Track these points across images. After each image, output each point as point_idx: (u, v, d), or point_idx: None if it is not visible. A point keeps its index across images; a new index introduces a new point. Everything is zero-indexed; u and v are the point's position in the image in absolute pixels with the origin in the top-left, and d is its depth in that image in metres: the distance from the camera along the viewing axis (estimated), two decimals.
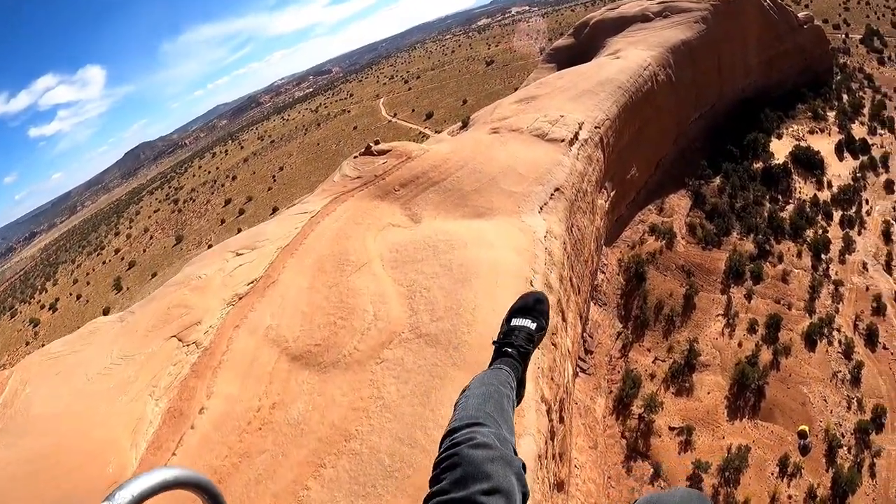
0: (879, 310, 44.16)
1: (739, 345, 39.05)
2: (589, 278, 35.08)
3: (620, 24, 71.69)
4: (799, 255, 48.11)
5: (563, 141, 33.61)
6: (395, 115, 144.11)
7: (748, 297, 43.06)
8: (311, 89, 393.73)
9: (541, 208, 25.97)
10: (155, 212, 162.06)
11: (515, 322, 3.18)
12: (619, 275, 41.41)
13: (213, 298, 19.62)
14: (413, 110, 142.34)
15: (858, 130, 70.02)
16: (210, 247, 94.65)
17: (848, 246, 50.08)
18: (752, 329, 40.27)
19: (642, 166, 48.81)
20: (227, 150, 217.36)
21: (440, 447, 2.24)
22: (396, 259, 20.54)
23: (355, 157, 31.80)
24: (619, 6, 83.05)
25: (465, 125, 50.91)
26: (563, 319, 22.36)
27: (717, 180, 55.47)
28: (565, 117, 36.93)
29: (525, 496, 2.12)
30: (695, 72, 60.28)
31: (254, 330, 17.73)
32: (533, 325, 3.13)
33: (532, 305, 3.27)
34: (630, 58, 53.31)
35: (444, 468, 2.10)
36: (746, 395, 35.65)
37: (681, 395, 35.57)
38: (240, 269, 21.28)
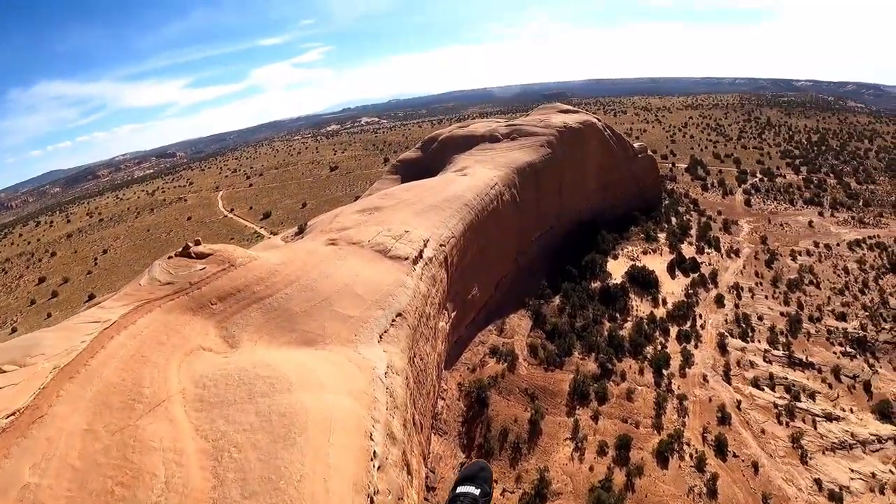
0: (724, 419, 51.61)
1: (591, 469, 43.35)
2: (430, 410, 37.85)
3: (469, 143, 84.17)
4: (641, 372, 55.51)
5: (406, 259, 37.38)
6: (233, 210, 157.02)
7: (595, 418, 48.50)
8: (151, 170, 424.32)
9: (381, 337, 27.52)
10: None
11: (461, 489, 3.85)
12: (459, 400, 45.13)
13: None
14: (251, 207, 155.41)
15: (688, 250, 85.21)
16: (14, 330, 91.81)
17: (687, 360, 58.87)
18: (602, 451, 44.77)
19: (484, 285, 55.16)
20: (52, 222, 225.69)
21: None
22: (203, 398, 19.51)
23: (169, 258, 31.51)
24: (468, 125, 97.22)
25: (301, 231, 54.41)
26: (409, 473, 22.48)
27: (557, 300, 63.55)
28: (410, 233, 41.44)
29: None
30: (538, 193, 70.77)
31: (3, 490, 15.24)
32: (477, 492, 3.80)
33: (476, 473, 4.03)
34: (478, 176, 61.63)
35: None
36: None
37: None
38: None
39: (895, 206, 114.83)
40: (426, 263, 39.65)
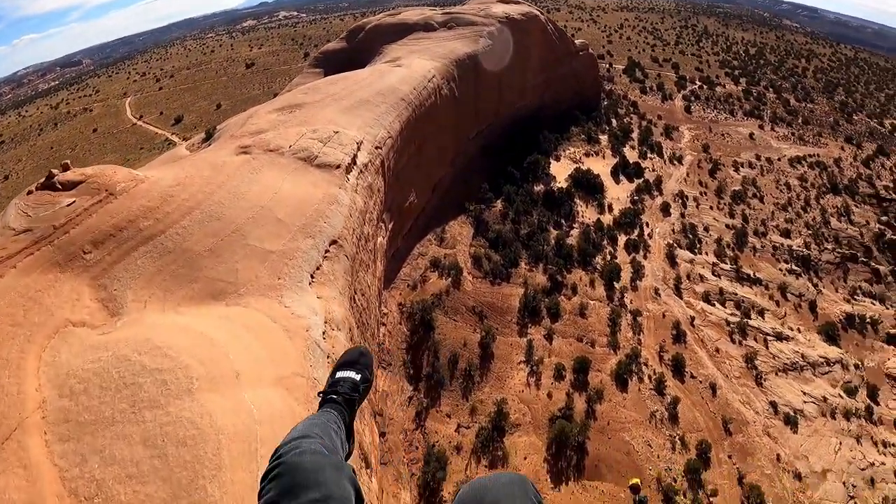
0: (679, 337, 50.15)
1: (549, 396, 40.05)
2: (376, 353, 32.68)
3: (401, 31, 75.43)
4: (592, 284, 52.43)
5: (338, 167, 30.59)
6: (142, 116, 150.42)
7: (549, 337, 44.89)
8: (56, 82, 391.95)
9: (312, 276, 21.30)
10: None
11: (340, 374, 3.81)
12: (401, 324, 39.83)
13: None
14: (161, 113, 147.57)
15: (631, 154, 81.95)
16: None
17: (637, 272, 56.46)
18: (559, 375, 41.56)
19: (421, 190, 48.98)
20: None
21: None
22: (70, 415, 13.63)
23: (28, 194, 23.86)
24: (399, 13, 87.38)
25: (209, 137, 45.80)
26: (367, 464, 18.03)
27: (499, 204, 58.72)
28: (340, 134, 34.37)
29: (360, 501, 2.43)
30: (477, 88, 64.32)
31: None
32: (358, 377, 3.79)
33: (356, 359, 3.96)
34: (414, 67, 54.48)
35: (269, 479, 2.34)
36: (567, 454, 36.10)
37: (495, 467, 34.07)
38: None
39: (833, 128, 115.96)
40: (361, 171, 32.99)
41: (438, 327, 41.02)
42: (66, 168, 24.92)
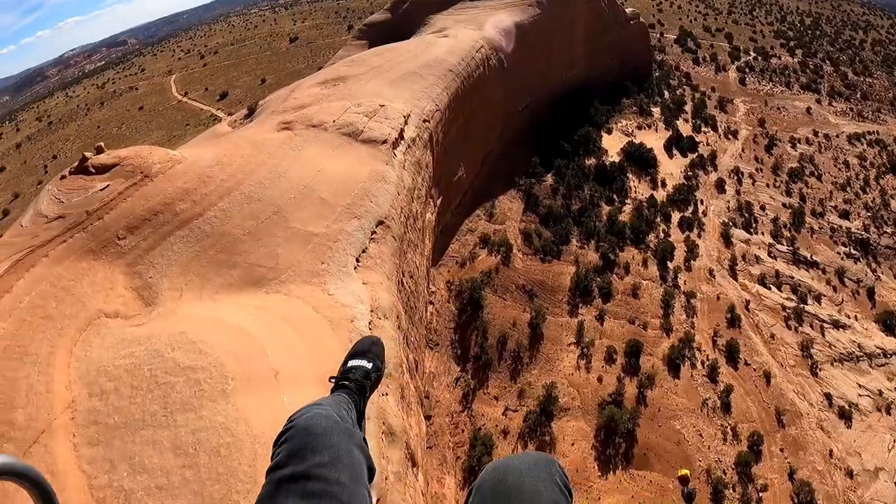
0: (734, 321, 48.46)
1: (599, 380, 38.88)
2: (424, 335, 31.57)
3: (446, 1, 73.61)
4: (645, 263, 50.79)
5: (384, 142, 29.06)
6: (187, 93, 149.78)
7: (600, 318, 43.59)
8: (102, 62, 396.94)
9: (357, 260, 20.00)
10: None
11: (352, 363, 3.77)
12: (449, 302, 38.86)
13: None
14: (206, 89, 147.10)
15: (684, 128, 79.05)
16: None
17: (691, 251, 54.55)
18: (610, 359, 40.40)
19: (469, 164, 47.48)
20: (0, 133, 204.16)
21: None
22: (100, 417, 12.76)
23: (62, 179, 22.88)
24: None
25: (251, 112, 44.91)
26: (413, 464, 16.58)
27: (550, 179, 57.01)
28: (386, 107, 32.80)
29: (371, 470, 2.44)
30: (525, 58, 62.21)
31: None
32: (369, 365, 3.74)
33: (368, 348, 3.94)
34: (461, 37, 52.67)
35: (281, 443, 2.33)
36: (616, 442, 35.09)
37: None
38: None
39: (892, 103, 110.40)
40: (409, 146, 31.40)
41: (487, 306, 39.91)
42: (100, 151, 23.83)
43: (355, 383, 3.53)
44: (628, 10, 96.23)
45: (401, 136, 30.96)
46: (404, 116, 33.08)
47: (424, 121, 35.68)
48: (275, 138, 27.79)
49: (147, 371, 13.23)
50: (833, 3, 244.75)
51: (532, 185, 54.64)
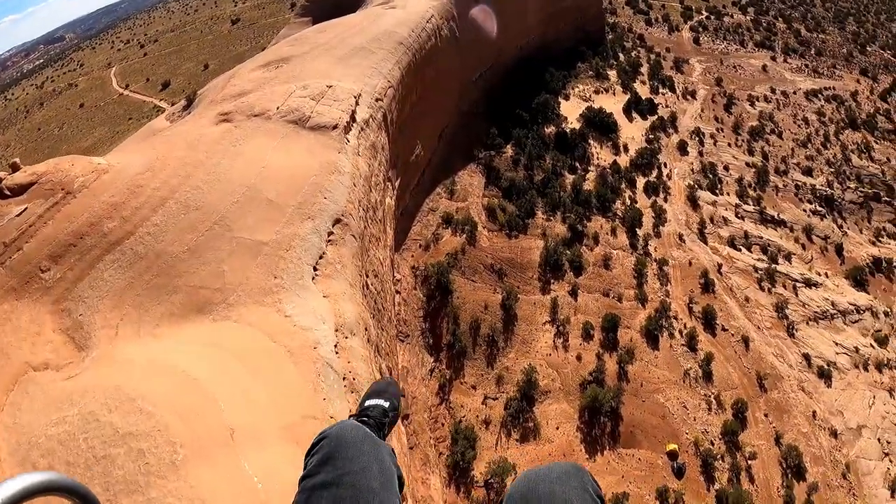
0: (708, 286, 47.42)
1: (578, 358, 37.15)
2: (394, 336, 29.08)
3: None
4: (614, 232, 49.35)
5: (335, 127, 26.01)
6: (128, 86, 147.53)
7: (573, 293, 41.98)
8: (41, 61, 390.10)
9: (315, 269, 17.49)
10: None
11: (370, 402, 3.75)
12: (416, 289, 36.38)
13: None
14: (148, 79, 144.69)
15: (642, 90, 77.54)
16: None
17: (659, 216, 53.41)
18: (587, 335, 38.75)
19: (427, 141, 44.86)
20: None
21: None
22: None
23: None
24: None
25: (190, 103, 41.18)
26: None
27: (510, 149, 54.83)
28: (335, 88, 29.74)
29: (401, 479, 2.46)
30: (478, 27, 59.71)
31: None
32: (387, 404, 3.72)
33: (384, 389, 3.94)
34: (410, 7, 49.77)
35: (313, 453, 2.42)
36: (601, 422, 33.55)
37: (527, 441, 31.77)
38: None
39: (847, 59, 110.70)
40: (362, 129, 28.39)
41: (456, 290, 37.74)
42: (15, 168, 20.47)
43: (374, 420, 3.48)
44: None
45: (353, 119, 27.97)
46: (355, 97, 30.05)
47: (377, 99, 32.65)
48: (212, 133, 24.65)
49: (83, 442, 10.68)
50: None
51: (492, 157, 52.40)
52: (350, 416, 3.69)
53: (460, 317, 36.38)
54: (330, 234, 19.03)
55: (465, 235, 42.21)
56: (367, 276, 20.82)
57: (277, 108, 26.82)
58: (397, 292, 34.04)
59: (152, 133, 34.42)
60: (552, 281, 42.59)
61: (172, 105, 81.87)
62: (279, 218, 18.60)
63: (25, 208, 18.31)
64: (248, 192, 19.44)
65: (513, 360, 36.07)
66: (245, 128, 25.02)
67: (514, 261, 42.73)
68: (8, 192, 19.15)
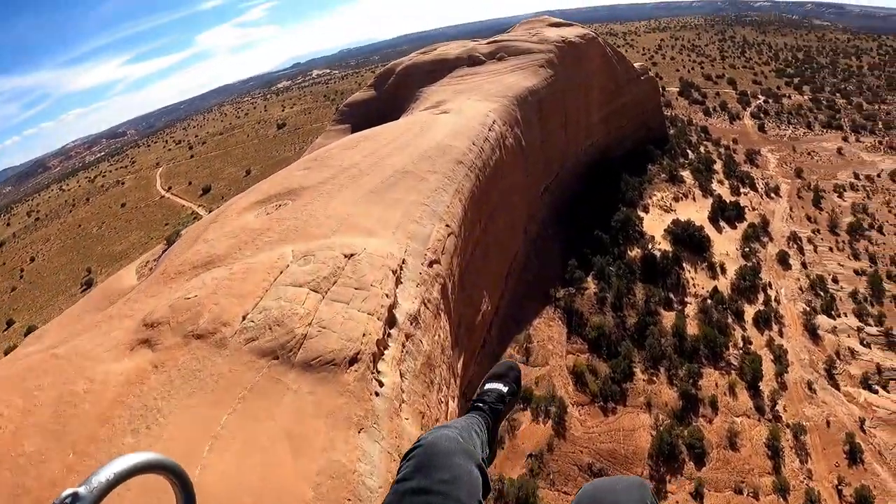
0: (854, 455, 34.39)
1: None
2: None
3: (439, 69, 59.69)
4: (732, 390, 36.71)
5: (353, 361, 11.16)
6: (170, 188, 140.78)
7: (697, 495, 29.83)
8: (102, 153, 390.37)
9: None
10: None
11: (489, 386, 3.60)
12: None
13: None
14: (190, 183, 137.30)
15: (723, 191, 65.41)
16: None
17: (779, 359, 40.54)
18: None
19: (493, 288, 32.91)
20: None
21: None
22: None
23: None
24: (434, 48, 71.64)
25: (169, 245, 31.20)
26: None
27: (592, 283, 43.22)
28: (359, 259, 14.88)
29: (487, 488, 2.38)
30: (543, 131, 48.94)
31: None
32: (505, 389, 3.57)
33: (504, 372, 3.73)
34: (466, 111, 37.96)
35: (408, 458, 2.34)
36: None
37: None
38: None
39: None
40: (408, 337, 14.04)
41: None
42: None
43: (489, 405, 3.39)
44: (638, 65, 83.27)
45: (389, 325, 13.44)
46: (393, 270, 15.61)
47: (431, 263, 19.04)
48: (110, 384, 9.89)
49: None
50: (816, 33, 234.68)
51: (572, 297, 40.77)
52: (468, 402, 3.48)
53: None
54: None
55: (550, 421, 30.28)
56: None
57: (243, 320, 12.10)
58: None
59: (106, 297, 23.49)
60: (668, 478, 30.12)
61: (209, 212, 72.43)
62: None
63: None
64: None
65: None
66: (170, 372, 10.51)
67: (616, 453, 30.44)
68: None
